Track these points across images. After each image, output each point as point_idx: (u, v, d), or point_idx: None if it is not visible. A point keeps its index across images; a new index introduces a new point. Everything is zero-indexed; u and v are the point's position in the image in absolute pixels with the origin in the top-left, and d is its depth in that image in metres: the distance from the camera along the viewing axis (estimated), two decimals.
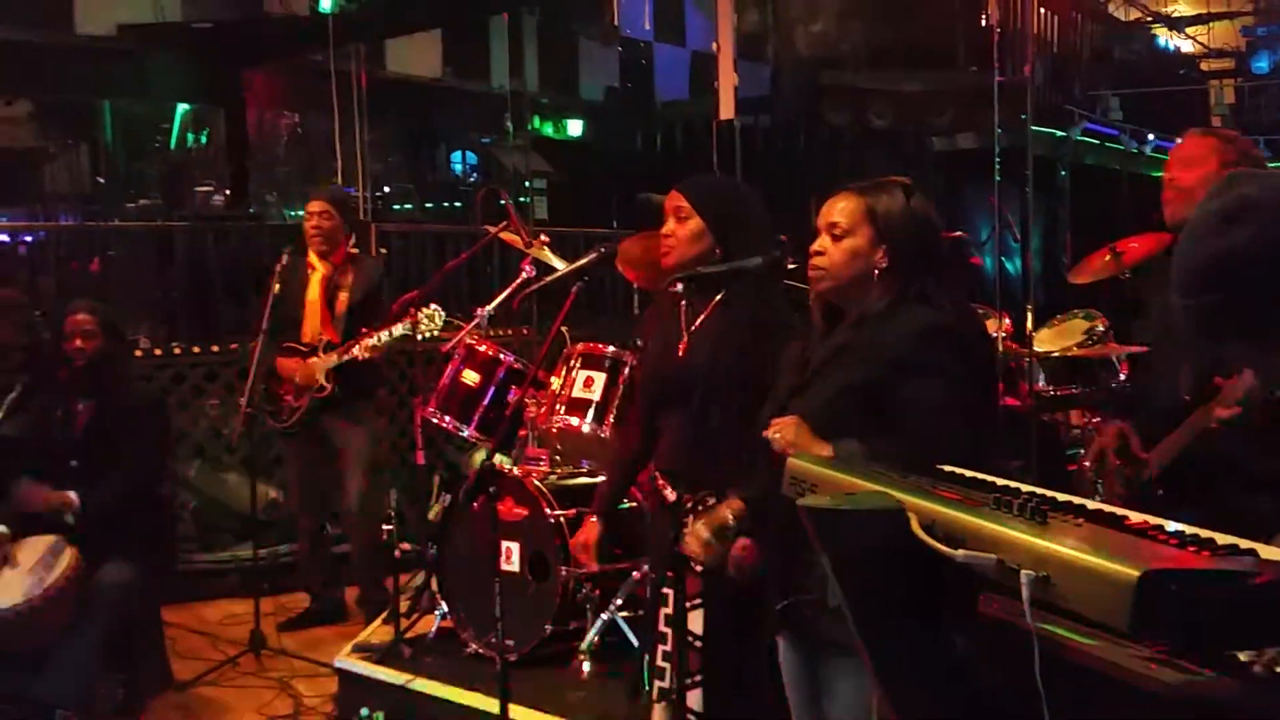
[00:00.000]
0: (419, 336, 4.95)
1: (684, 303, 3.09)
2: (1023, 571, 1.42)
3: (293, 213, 11.91)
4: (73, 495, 4.40)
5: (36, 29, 9.47)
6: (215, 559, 6.33)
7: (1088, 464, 3.34)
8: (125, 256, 7.60)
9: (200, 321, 7.27)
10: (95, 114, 10.91)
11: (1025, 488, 1.75)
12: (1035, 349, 5.43)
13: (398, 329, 4.98)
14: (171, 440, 5.59)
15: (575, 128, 13.72)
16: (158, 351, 6.80)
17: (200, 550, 6.37)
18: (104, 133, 11.01)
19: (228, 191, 10.10)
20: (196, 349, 6.90)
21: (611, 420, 4.39)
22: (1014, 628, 1.53)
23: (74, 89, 10.40)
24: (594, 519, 3.39)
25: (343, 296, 5.42)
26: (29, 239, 7.75)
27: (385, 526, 5.13)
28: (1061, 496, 1.71)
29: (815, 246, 2.56)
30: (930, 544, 1.52)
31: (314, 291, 5.42)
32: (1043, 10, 12.17)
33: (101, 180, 10.86)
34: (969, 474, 1.89)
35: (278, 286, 5.27)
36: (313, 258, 5.46)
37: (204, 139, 11.46)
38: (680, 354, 3.04)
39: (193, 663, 5.07)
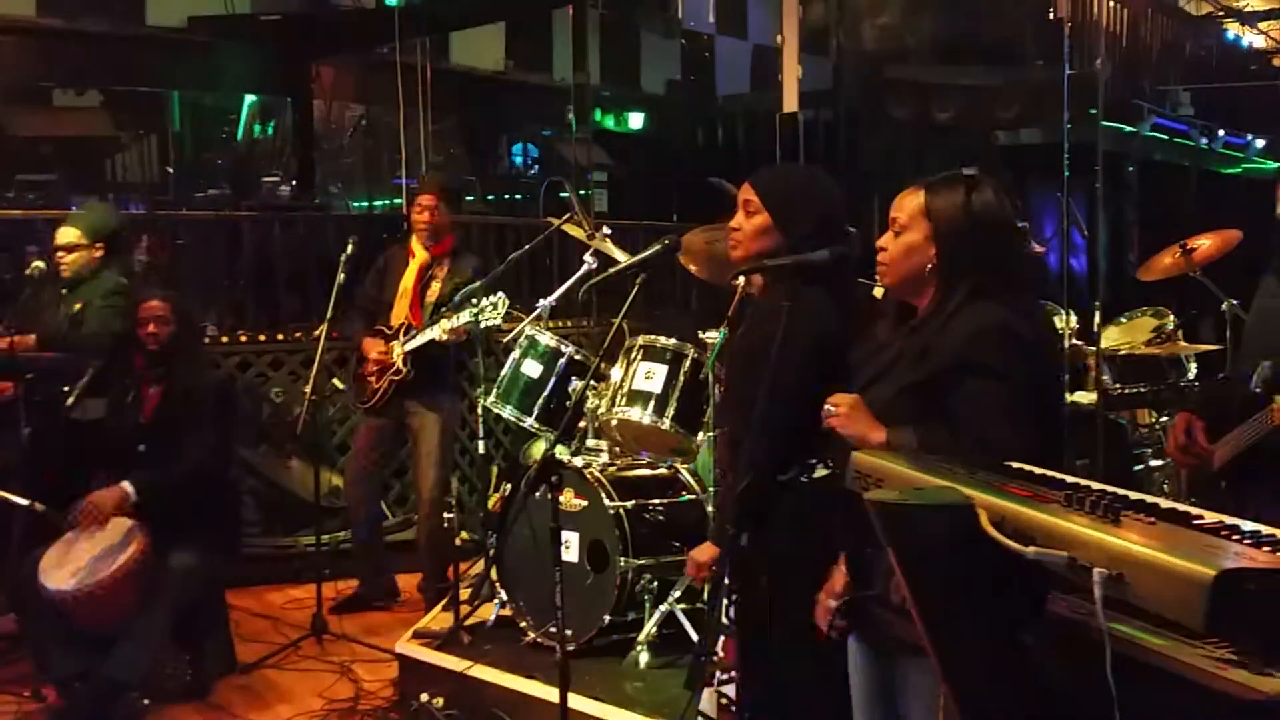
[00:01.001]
0: (481, 324, 4.98)
1: (748, 297, 3.09)
2: (1095, 569, 1.40)
3: (357, 204, 12.04)
4: (128, 487, 4.47)
5: (109, 20, 9.63)
6: (278, 544, 6.42)
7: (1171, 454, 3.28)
8: (193, 245, 7.72)
9: (266, 310, 7.37)
10: (165, 104, 11.06)
11: (1096, 485, 1.73)
12: (1102, 347, 5.36)
13: (464, 314, 5.02)
14: (238, 427, 5.67)
15: (636, 120, 13.72)
16: (224, 339, 6.91)
17: (263, 535, 6.46)
18: (173, 123, 11.17)
19: (294, 182, 10.20)
20: (262, 337, 7.01)
21: (671, 414, 4.40)
22: (1083, 627, 1.51)
23: (144, 80, 10.57)
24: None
25: (435, 286, 5.50)
26: None
27: (446, 515, 5.18)
28: (1133, 495, 1.69)
29: (880, 241, 2.55)
30: (1000, 540, 1.51)
31: (409, 279, 5.51)
32: (1112, 4, 11.99)
33: (170, 170, 11.01)
34: (1038, 471, 1.87)
35: (342, 276, 5.35)
36: (414, 245, 5.54)
37: (270, 130, 11.59)
38: (735, 349, 3.05)
39: (256, 646, 5.15)
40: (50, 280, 5.39)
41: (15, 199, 9.78)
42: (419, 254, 5.55)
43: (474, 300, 4.98)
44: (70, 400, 4.82)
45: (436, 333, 5.20)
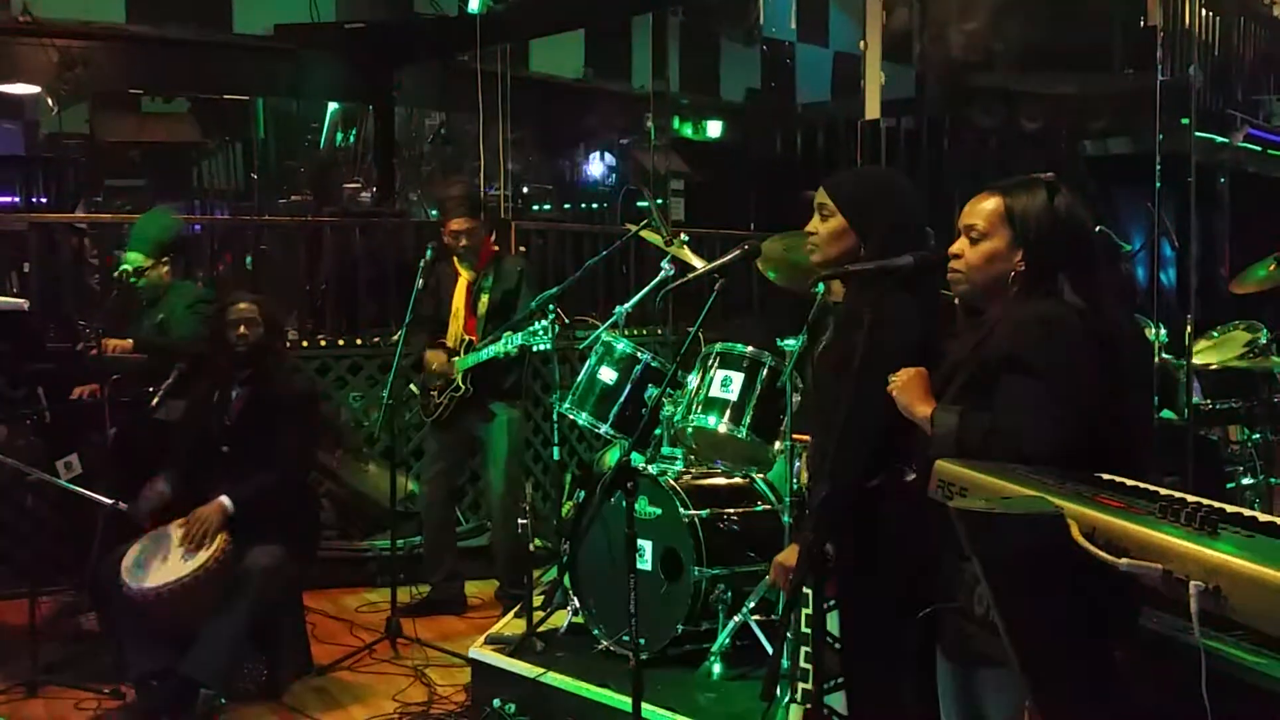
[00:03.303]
0: (534, 347, 5.01)
1: (828, 303, 3.05)
2: (1191, 582, 1.35)
3: (435, 211, 12.14)
4: (226, 502, 4.49)
5: (197, 28, 9.81)
6: (354, 548, 6.47)
7: None
8: (275, 251, 7.83)
9: (345, 315, 7.44)
10: (250, 111, 11.25)
11: (1191, 498, 1.67)
12: (1193, 361, 5.22)
13: (516, 337, 5.05)
14: (320, 431, 5.73)
15: (714, 129, 13.68)
16: (304, 344, 6.99)
17: (340, 539, 6.52)
18: (257, 130, 11.35)
19: (374, 189, 10.32)
20: (341, 342, 7.09)
21: (748, 422, 4.35)
22: (1177, 643, 1.45)
23: (231, 87, 10.76)
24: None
25: (484, 299, 5.52)
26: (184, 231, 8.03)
27: (521, 521, 5.18)
28: (1230, 508, 1.63)
29: (954, 249, 2.50)
30: (1092, 551, 1.46)
31: (459, 299, 5.56)
32: (1204, 11, 11.73)
33: (255, 176, 11.19)
34: (1130, 482, 1.81)
35: (421, 282, 5.39)
36: (457, 264, 5.56)
37: (352, 137, 11.73)
38: (817, 356, 3.01)
39: (331, 648, 5.19)
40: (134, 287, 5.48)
41: (104, 204, 10.03)
42: (464, 272, 5.57)
43: (537, 317, 5.00)
44: (154, 401, 4.90)
45: (490, 355, 5.24)
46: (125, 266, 5.40)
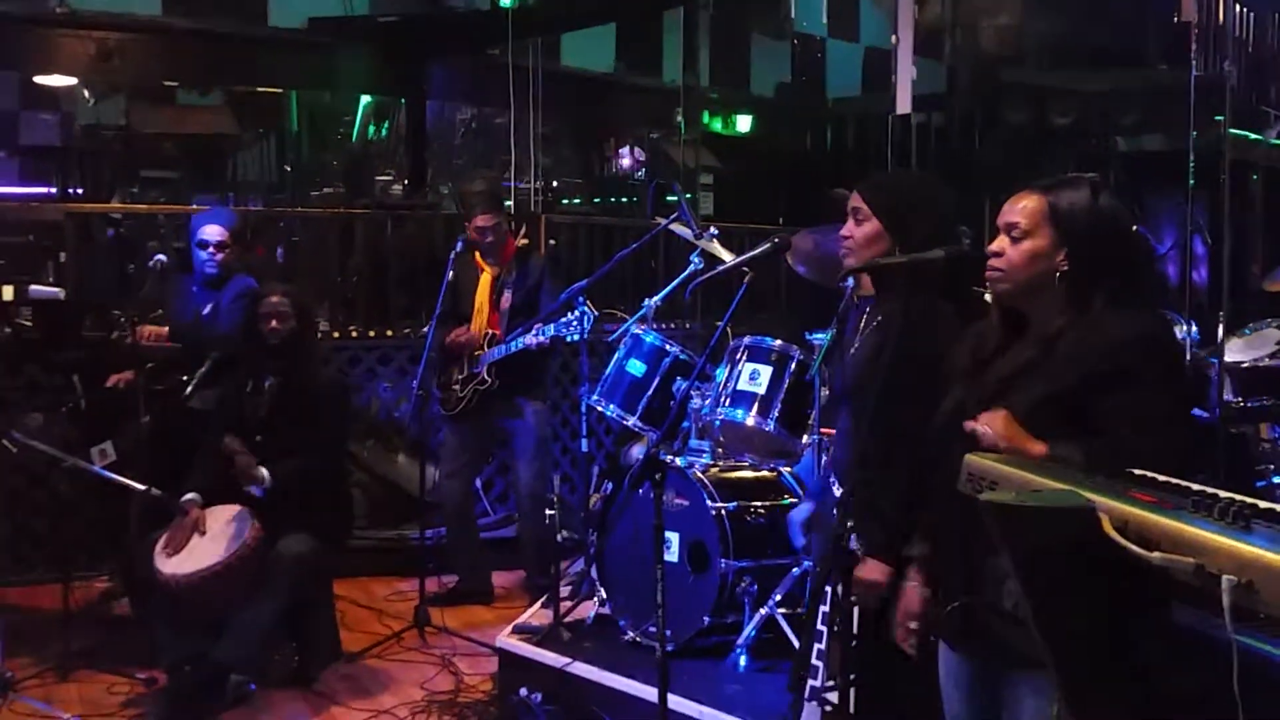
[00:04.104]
0: (567, 339, 5.03)
1: (858, 301, 3.05)
2: (1224, 576, 1.35)
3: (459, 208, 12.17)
4: (264, 472, 4.56)
5: (233, 21, 9.87)
6: (383, 537, 6.51)
7: None
8: (307, 242, 7.89)
9: (376, 307, 7.49)
10: (284, 104, 11.31)
11: (1224, 493, 1.67)
12: (1225, 360, 5.19)
13: (549, 329, 5.06)
14: (351, 420, 5.77)
15: (744, 123, 13.66)
16: (335, 334, 7.04)
17: (369, 528, 6.56)
18: (291, 123, 11.41)
19: (406, 181, 10.36)
20: (372, 333, 7.14)
21: (775, 415, 4.36)
22: (1209, 637, 1.45)
23: (265, 80, 10.82)
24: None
25: (507, 294, 5.54)
26: None
27: (549, 512, 5.21)
28: (1263, 503, 1.63)
29: (993, 247, 2.44)
30: (1124, 545, 1.46)
31: (483, 293, 5.57)
32: (1240, 8, 11.64)
33: (288, 169, 11.26)
34: (1161, 477, 1.81)
35: (452, 274, 5.42)
36: (480, 259, 5.58)
37: (385, 130, 11.78)
38: (849, 354, 3.00)
39: (359, 636, 5.23)
40: (172, 274, 5.51)
41: (139, 195, 10.11)
42: (488, 268, 5.59)
43: (568, 309, 5.01)
44: (189, 390, 4.95)
45: (520, 345, 5.26)
46: (161, 258, 5.43)
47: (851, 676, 2.85)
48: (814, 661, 3.15)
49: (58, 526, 5.96)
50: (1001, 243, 2.43)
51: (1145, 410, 2.22)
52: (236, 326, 5.13)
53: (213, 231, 5.28)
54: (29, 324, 5.68)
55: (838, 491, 2.97)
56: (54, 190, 10.23)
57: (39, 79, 10.40)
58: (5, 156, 11.14)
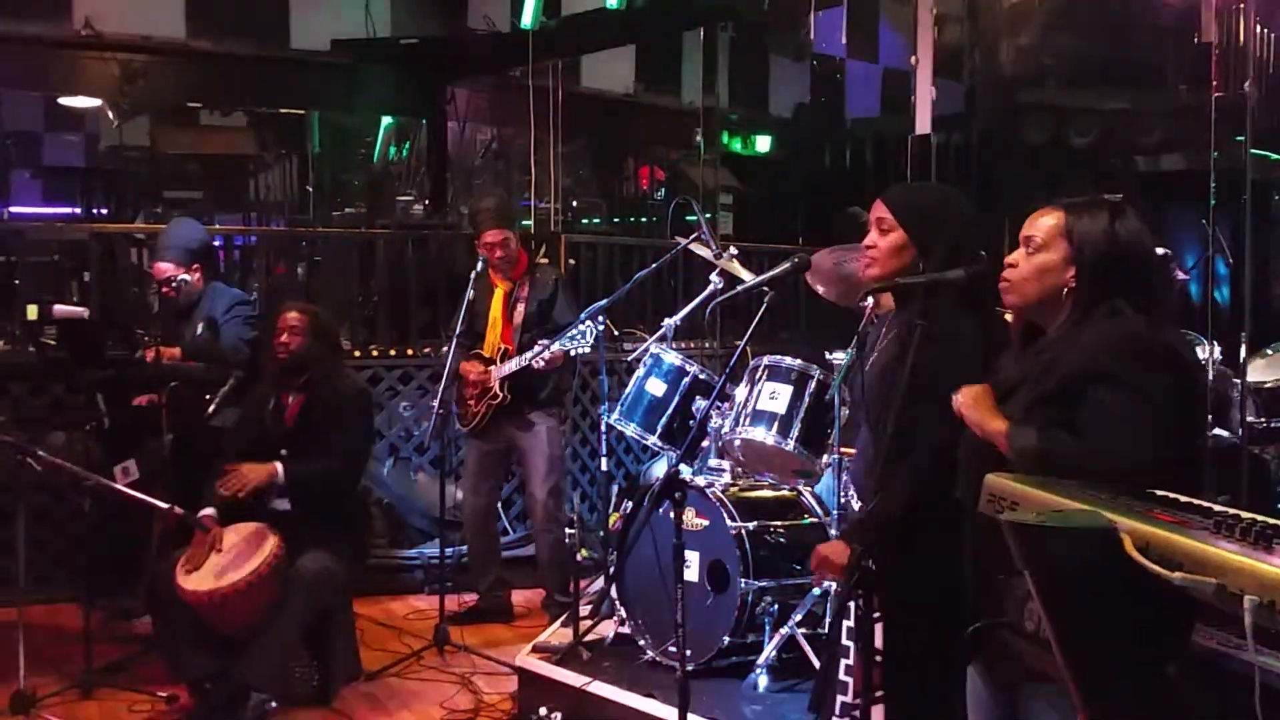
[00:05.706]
0: (573, 353, 5.04)
1: (879, 316, 3.05)
2: (1246, 596, 1.35)
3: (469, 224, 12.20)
4: (277, 466, 4.62)
5: (256, 43, 9.96)
6: (403, 555, 6.52)
7: None
8: (329, 262, 7.92)
9: (397, 326, 7.52)
10: (306, 125, 11.39)
11: (1246, 514, 1.66)
12: (1247, 380, 5.17)
13: (557, 344, 5.09)
14: (373, 436, 5.79)
15: (763, 144, 13.69)
16: (356, 353, 7.07)
17: (390, 546, 6.57)
18: (313, 143, 11.49)
19: (427, 202, 10.41)
20: (393, 352, 7.17)
21: (795, 435, 4.36)
22: (1230, 657, 1.45)
23: (288, 101, 10.90)
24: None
25: (520, 309, 5.57)
26: (240, 242, 8.16)
27: (568, 531, 5.22)
28: None
29: (1009, 258, 2.51)
30: (1145, 565, 1.46)
31: (496, 309, 5.61)
32: (1261, 28, 11.60)
33: (310, 189, 11.33)
34: (1184, 499, 1.81)
35: (472, 293, 5.45)
36: (493, 276, 5.61)
37: (405, 151, 11.83)
38: (867, 369, 3.01)
39: (379, 654, 5.23)
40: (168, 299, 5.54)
41: (163, 215, 10.18)
42: (500, 283, 5.62)
43: (577, 326, 5.03)
44: (211, 408, 4.98)
45: (530, 360, 5.27)
46: (155, 275, 5.47)
47: (876, 694, 2.85)
48: (842, 678, 3.14)
49: (80, 544, 6.01)
50: (1018, 254, 2.50)
51: (1111, 408, 2.25)
52: (239, 338, 5.18)
53: (160, 270, 5.37)
54: (54, 343, 5.72)
55: (857, 508, 2.98)
56: (78, 210, 10.32)
57: (64, 100, 10.52)
58: (30, 177, 11.26)
